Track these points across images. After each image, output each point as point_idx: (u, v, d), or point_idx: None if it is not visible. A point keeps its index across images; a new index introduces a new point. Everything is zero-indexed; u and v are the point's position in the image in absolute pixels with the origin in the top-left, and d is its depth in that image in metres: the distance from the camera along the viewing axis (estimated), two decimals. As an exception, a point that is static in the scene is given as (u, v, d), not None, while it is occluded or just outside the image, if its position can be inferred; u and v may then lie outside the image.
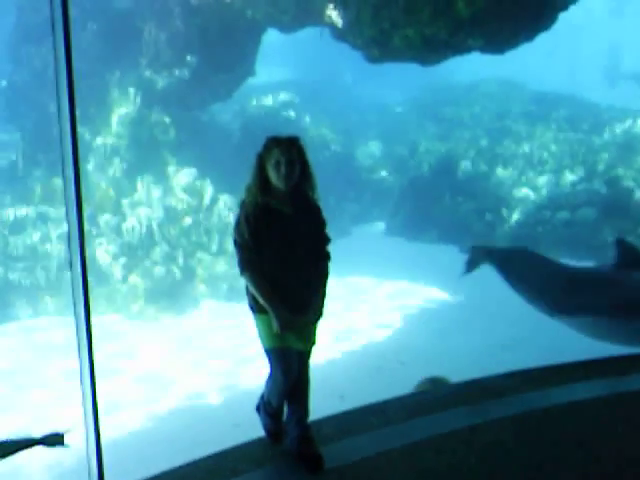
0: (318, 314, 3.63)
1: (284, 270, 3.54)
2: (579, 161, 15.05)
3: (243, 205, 3.57)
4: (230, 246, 13.18)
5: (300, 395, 3.68)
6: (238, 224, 3.53)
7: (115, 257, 12.17)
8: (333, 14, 8.93)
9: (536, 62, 18.81)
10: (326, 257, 3.71)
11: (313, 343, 3.68)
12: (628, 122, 15.66)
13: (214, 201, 13.36)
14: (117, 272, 12.09)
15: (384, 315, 10.30)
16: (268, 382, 3.74)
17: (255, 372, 8.42)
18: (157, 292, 11.89)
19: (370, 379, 7.70)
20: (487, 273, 12.80)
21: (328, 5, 9.05)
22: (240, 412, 7.02)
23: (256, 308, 3.60)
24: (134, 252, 12.30)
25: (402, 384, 7.36)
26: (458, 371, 7.46)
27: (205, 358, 9.44)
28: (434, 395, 5.32)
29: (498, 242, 14.23)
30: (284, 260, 3.53)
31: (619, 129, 15.56)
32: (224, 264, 12.79)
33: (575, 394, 5.01)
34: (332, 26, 9.34)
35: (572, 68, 24.70)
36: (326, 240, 3.75)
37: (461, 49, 8.36)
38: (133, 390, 8.43)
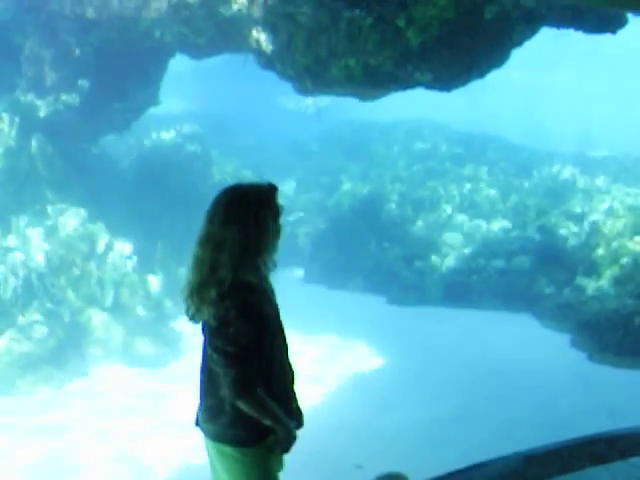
0: None
1: (286, 372, 2.88)
2: (510, 206, 15.22)
3: (237, 293, 2.65)
4: (128, 300, 12.14)
5: None
6: (229, 325, 2.62)
7: (-17, 315, 10.81)
8: (260, 38, 8.36)
9: (455, 102, 19.18)
10: None
11: None
12: (555, 167, 16.12)
13: (108, 247, 12.31)
14: (-14, 334, 10.70)
15: (310, 382, 9.53)
16: None
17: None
18: (36, 358, 10.59)
19: (305, 469, 6.91)
20: (417, 330, 12.58)
21: (255, 27, 8.47)
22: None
23: (255, 437, 2.77)
24: (7, 309, 10.97)
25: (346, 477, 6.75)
26: (410, 459, 6.92)
27: (92, 444, 8.28)
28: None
29: (429, 291, 14.01)
30: (283, 359, 2.85)
31: (546, 173, 15.97)
32: (120, 321, 11.71)
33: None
34: (257, 52, 8.77)
35: (494, 110, 25.67)
36: None
37: (407, 83, 7.99)
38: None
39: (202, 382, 2.90)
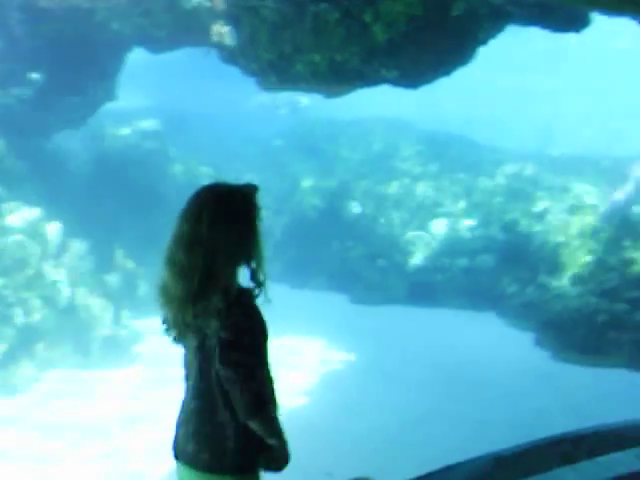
0: None
1: (273, 383, 2.69)
2: (474, 205, 15.35)
3: (243, 299, 2.45)
4: (84, 301, 11.80)
5: None
6: (244, 334, 2.39)
7: None
8: (223, 32, 8.20)
9: (420, 101, 19.24)
10: None
11: None
12: (518, 165, 16.28)
13: (63, 247, 11.99)
14: None
15: (275, 384, 9.43)
16: None
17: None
18: (-14, 362, 10.27)
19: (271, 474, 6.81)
20: (382, 329, 12.57)
21: (217, 21, 8.32)
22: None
23: (254, 460, 2.54)
24: (-45, 312, 10.61)
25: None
26: (378, 462, 6.88)
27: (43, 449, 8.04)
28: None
29: (394, 290, 14.04)
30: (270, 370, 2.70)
31: (509, 172, 16.12)
32: (75, 323, 11.42)
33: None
34: (220, 46, 8.61)
35: (457, 108, 25.84)
36: None
37: (373, 80, 7.95)
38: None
39: (198, 408, 2.53)
